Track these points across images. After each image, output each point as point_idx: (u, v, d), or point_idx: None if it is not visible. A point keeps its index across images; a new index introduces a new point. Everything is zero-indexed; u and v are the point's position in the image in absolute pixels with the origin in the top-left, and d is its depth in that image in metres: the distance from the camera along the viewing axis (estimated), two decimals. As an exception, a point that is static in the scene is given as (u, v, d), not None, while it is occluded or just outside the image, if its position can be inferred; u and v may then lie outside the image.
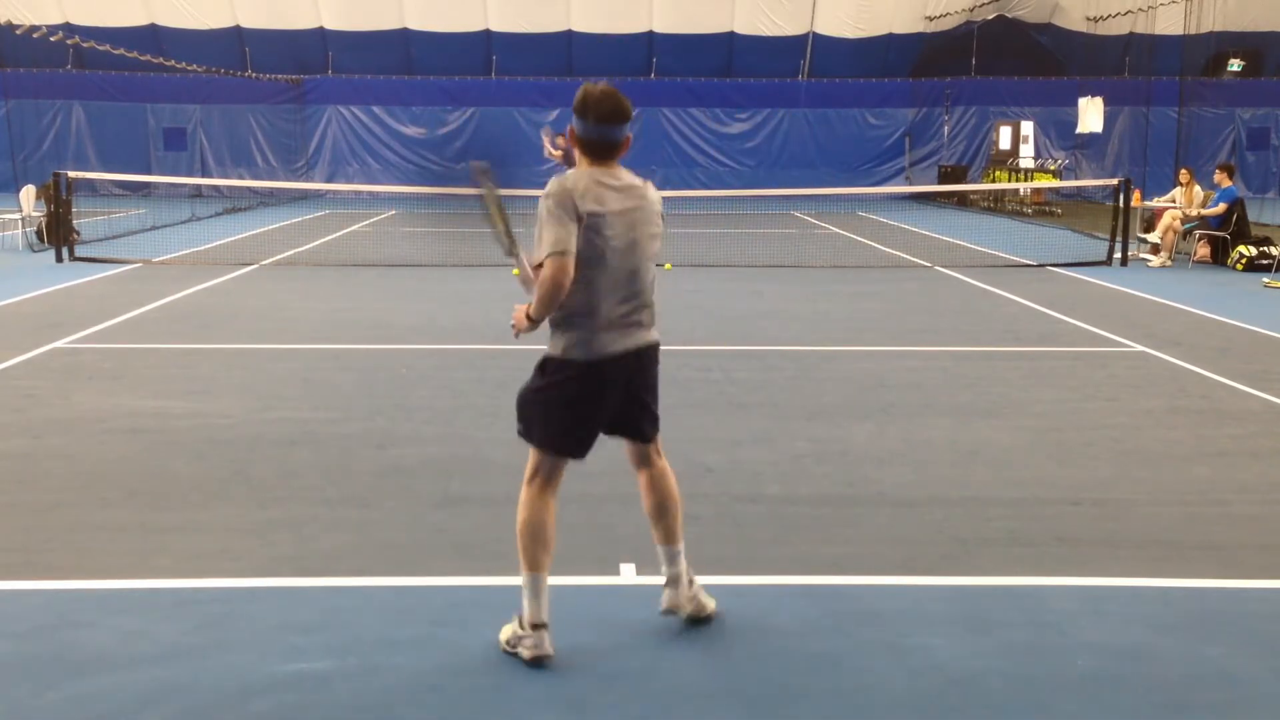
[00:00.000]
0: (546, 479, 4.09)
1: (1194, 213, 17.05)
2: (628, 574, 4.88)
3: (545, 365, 4.09)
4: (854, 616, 4.46)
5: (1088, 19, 32.99)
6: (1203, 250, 17.02)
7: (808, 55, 32.86)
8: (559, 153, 21.70)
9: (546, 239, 3.86)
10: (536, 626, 3.99)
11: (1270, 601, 4.70)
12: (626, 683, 3.91)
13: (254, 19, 31.79)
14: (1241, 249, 16.13)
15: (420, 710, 3.73)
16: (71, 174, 17.69)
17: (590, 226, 3.89)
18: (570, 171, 4.02)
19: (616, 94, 3.98)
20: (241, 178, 30.25)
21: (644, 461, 4.33)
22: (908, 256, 17.54)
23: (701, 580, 4.82)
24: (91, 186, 26.87)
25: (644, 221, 4.05)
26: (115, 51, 26.53)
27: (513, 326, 4.12)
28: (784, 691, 3.85)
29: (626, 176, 4.05)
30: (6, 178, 28.97)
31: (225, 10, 31.66)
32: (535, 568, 4.01)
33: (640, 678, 3.94)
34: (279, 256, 16.87)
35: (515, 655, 4.03)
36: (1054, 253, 17.63)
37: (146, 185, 29.81)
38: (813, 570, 4.92)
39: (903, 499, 5.89)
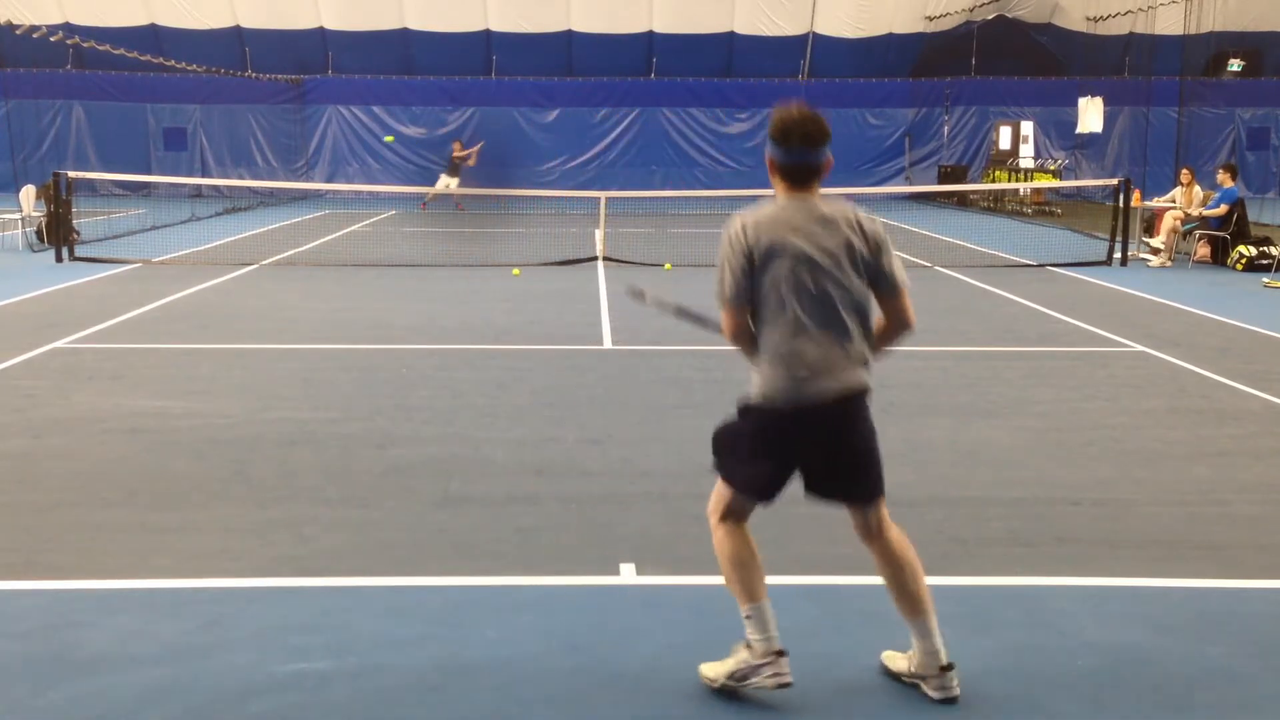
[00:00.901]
0: (738, 517, 3.87)
1: (1195, 213, 17.05)
2: (628, 574, 4.88)
3: (746, 408, 3.88)
4: (854, 616, 4.46)
5: (1088, 19, 32.96)
6: (1203, 250, 17.02)
7: (808, 55, 32.85)
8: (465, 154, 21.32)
9: (717, 287, 3.75)
10: (778, 654, 3.77)
11: (1270, 601, 4.70)
12: (626, 683, 3.91)
13: (254, 19, 31.76)
14: (1241, 249, 16.13)
15: (420, 710, 3.73)
16: (71, 174, 17.68)
17: (767, 262, 3.64)
18: (761, 204, 3.79)
19: (816, 114, 3.70)
20: (241, 178, 30.24)
21: (868, 533, 3.94)
22: (908, 256, 17.52)
23: (702, 580, 4.83)
24: (91, 186, 26.85)
25: (840, 253, 3.68)
26: (115, 51, 26.52)
27: None
28: (784, 691, 3.84)
29: (826, 206, 3.72)
30: (6, 178, 28.94)
31: (225, 10, 31.64)
32: (754, 597, 3.79)
33: (640, 678, 3.94)
34: (279, 256, 16.87)
35: (742, 688, 3.79)
36: (1054, 253, 17.63)
37: (146, 185, 29.79)
38: (813, 570, 4.92)
39: (903, 499, 5.87)
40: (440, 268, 15.71)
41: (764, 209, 3.75)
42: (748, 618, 3.80)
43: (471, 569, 4.93)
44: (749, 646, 3.80)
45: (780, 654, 3.76)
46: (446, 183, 26.58)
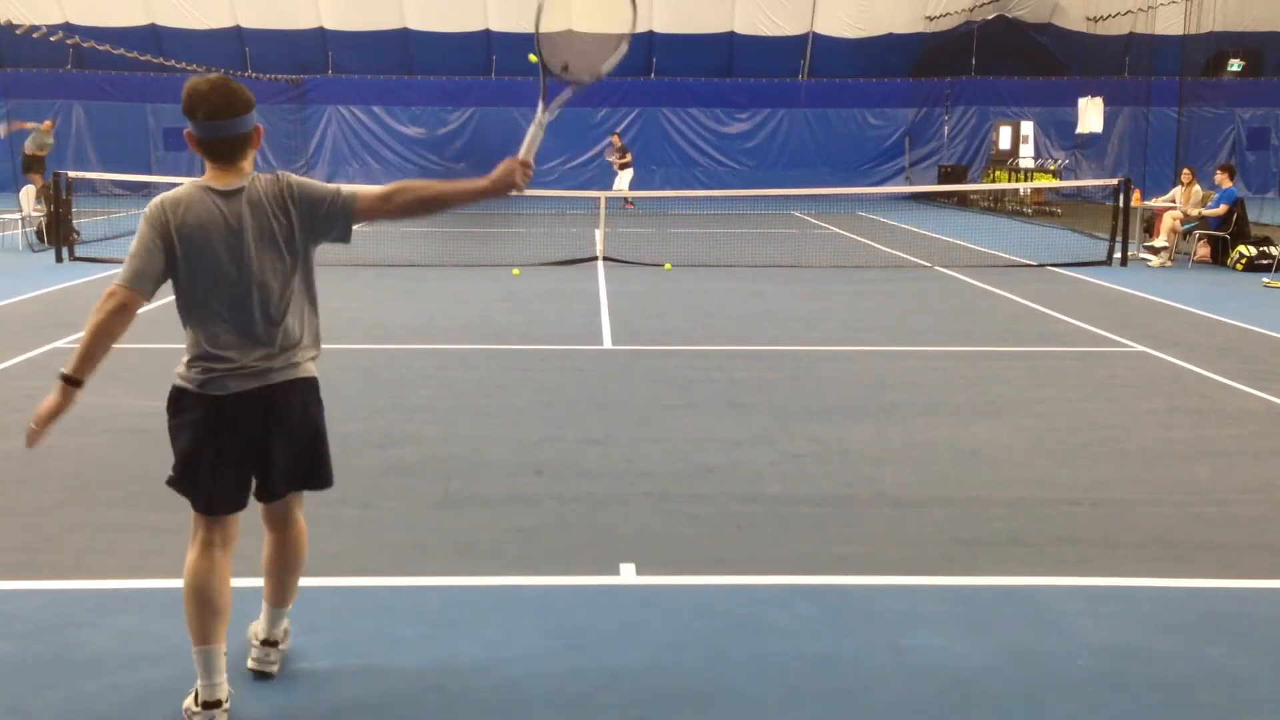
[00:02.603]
0: (221, 539, 3.69)
1: (1194, 213, 17.05)
2: (628, 574, 4.88)
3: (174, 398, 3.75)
4: (854, 616, 4.46)
5: (1088, 19, 32.97)
6: (1203, 250, 17.02)
7: (808, 55, 32.85)
8: (616, 155, 21.37)
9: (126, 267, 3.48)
10: (212, 705, 3.49)
11: (1270, 601, 4.70)
12: (626, 683, 3.90)
13: (254, 19, 31.76)
14: (1241, 249, 16.14)
15: (420, 710, 3.73)
16: (71, 174, 17.68)
17: (190, 246, 3.48)
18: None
19: (228, 83, 3.46)
20: (241, 177, 30.20)
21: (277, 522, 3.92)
22: (908, 256, 17.53)
23: (702, 580, 4.84)
24: (91, 186, 26.84)
25: (258, 228, 3.50)
26: (115, 51, 26.51)
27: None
28: (784, 691, 3.85)
29: (253, 183, 3.52)
30: (6, 178, 28.94)
31: (225, 10, 31.63)
32: (206, 639, 3.52)
33: (640, 678, 3.94)
34: (279, 256, 16.84)
35: None
36: (1054, 253, 17.63)
37: (146, 185, 29.72)
38: (813, 570, 4.92)
39: (903, 499, 5.89)
40: (440, 268, 15.71)
41: (183, 188, 3.53)
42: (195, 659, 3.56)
43: (471, 569, 4.93)
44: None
45: (214, 705, 3.48)
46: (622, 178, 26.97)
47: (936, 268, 16.03)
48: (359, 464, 6.40)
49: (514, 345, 10.10)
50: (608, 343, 10.22)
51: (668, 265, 15.80)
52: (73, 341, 9.94)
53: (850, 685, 3.90)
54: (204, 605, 3.52)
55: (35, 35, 23.68)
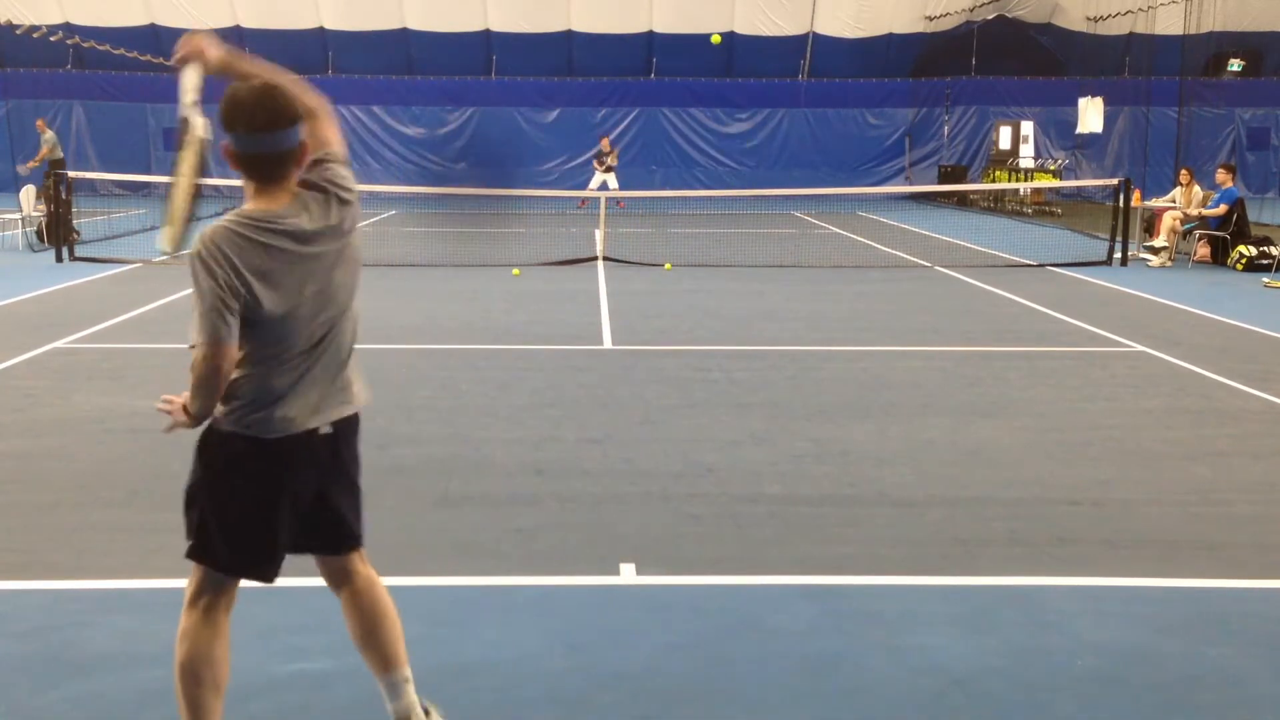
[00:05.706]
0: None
1: (1194, 213, 17.05)
2: (628, 574, 4.88)
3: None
4: (854, 616, 4.46)
5: (1088, 19, 32.96)
6: (1203, 250, 17.02)
7: (808, 55, 32.85)
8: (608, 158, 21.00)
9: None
10: None
11: (1270, 601, 4.70)
12: (626, 683, 3.90)
13: (254, 19, 31.78)
14: (1241, 249, 16.13)
15: (420, 710, 3.72)
16: (71, 174, 17.67)
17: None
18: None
19: (270, 90, 3.12)
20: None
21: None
22: (908, 256, 17.53)
23: (700, 580, 4.84)
24: (91, 186, 26.85)
25: (332, 260, 3.17)
26: (115, 51, 26.56)
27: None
28: (784, 692, 3.85)
29: (294, 205, 3.17)
30: (7, 178, 28.95)
31: (225, 10, 31.64)
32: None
33: (640, 678, 3.94)
34: (279, 256, 16.84)
35: None
36: (1054, 253, 17.62)
37: (146, 185, 29.74)
38: (813, 570, 4.92)
39: (903, 499, 5.89)
40: (440, 268, 15.70)
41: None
42: None
43: (471, 569, 4.93)
44: None
45: None
46: (603, 180, 26.85)
47: (936, 268, 16.03)
48: (359, 464, 6.39)
49: (514, 345, 10.10)
50: (608, 343, 10.22)
51: (668, 265, 15.80)
52: (73, 342, 9.94)
53: (850, 685, 3.90)
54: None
55: (35, 35, 23.71)
